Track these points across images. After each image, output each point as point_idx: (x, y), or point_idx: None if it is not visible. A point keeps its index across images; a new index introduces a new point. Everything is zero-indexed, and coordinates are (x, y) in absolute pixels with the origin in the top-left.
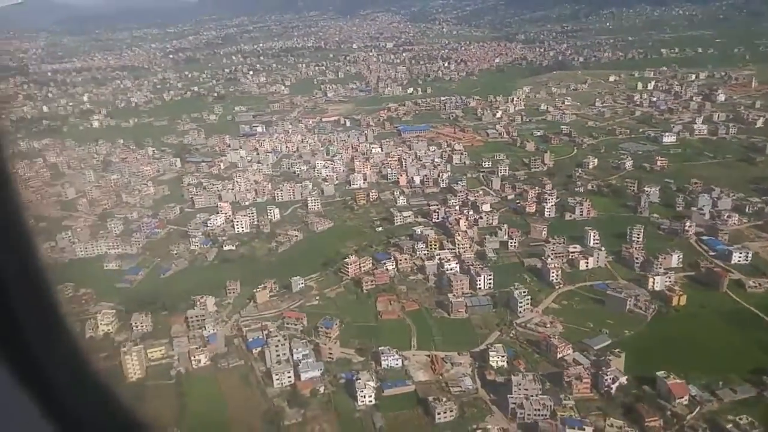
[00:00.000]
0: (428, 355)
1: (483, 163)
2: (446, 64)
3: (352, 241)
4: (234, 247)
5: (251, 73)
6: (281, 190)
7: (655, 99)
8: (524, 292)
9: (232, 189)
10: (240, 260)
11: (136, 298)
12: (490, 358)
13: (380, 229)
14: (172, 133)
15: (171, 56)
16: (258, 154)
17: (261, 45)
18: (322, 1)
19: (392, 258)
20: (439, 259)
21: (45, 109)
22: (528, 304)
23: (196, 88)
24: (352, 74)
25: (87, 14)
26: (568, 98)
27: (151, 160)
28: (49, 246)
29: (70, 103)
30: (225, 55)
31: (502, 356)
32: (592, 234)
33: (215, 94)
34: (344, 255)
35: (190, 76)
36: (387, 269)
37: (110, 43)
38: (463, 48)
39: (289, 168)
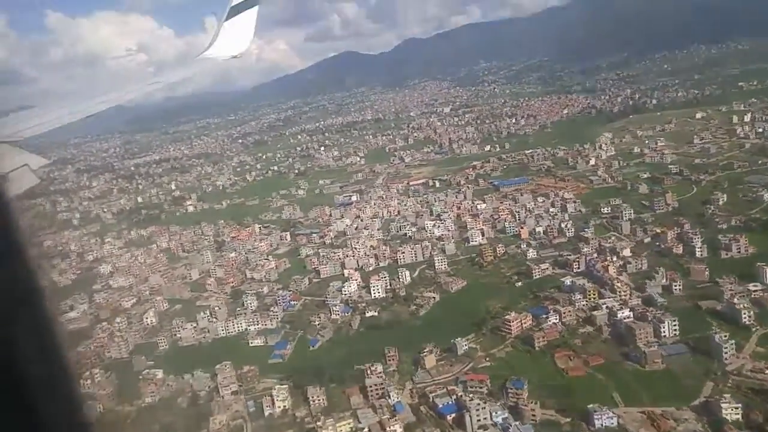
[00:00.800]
0: (642, 412)
1: (601, 209)
2: (513, 120)
3: (493, 298)
4: (376, 313)
5: (322, 149)
6: (402, 253)
7: (761, 130)
8: (725, 336)
9: (352, 256)
10: (386, 326)
11: (296, 371)
12: (723, 411)
13: (519, 284)
14: (268, 210)
15: (240, 141)
16: (362, 220)
17: (322, 123)
18: (369, 78)
19: (552, 311)
20: (607, 308)
21: (139, 200)
22: (732, 349)
23: (275, 168)
24: (421, 140)
25: (151, 112)
26: (661, 139)
27: (260, 236)
28: (192, 327)
29: (161, 192)
30: (290, 135)
31: (735, 408)
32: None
33: (296, 172)
34: (493, 314)
35: (264, 157)
36: (553, 323)
37: (178, 135)
38: (524, 104)
39: (398, 231)
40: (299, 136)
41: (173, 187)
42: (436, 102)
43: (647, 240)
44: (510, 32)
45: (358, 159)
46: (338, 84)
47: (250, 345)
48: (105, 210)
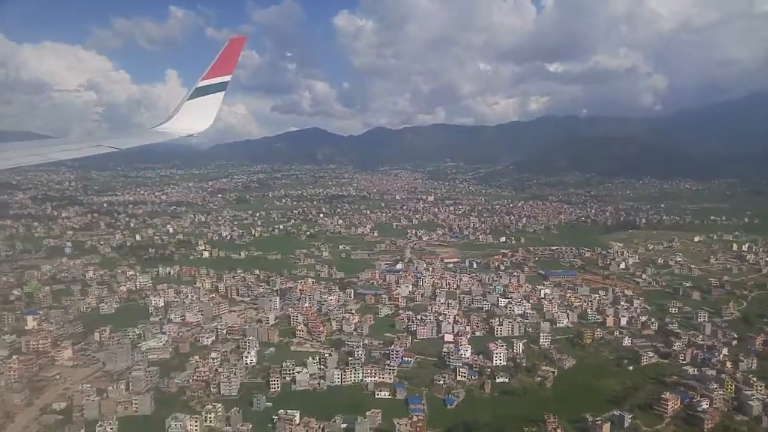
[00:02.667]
0: None
1: (669, 309)
2: (513, 218)
3: (610, 378)
4: (507, 380)
5: (321, 215)
6: (499, 325)
7: None
8: None
9: (444, 321)
10: (518, 393)
11: (456, 427)
12: None
13: (631, 368)
14: (296, 266)
15: (219, 195)
16: (423, 288)
17: (303, 191)
18: (338, 156)
19: (698, 396)
20: (758, 399)
21: (138, 237)
22: None
23: (280, 227)
24: (425, 222)
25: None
26: (678, 255)
27: (319, 290)
28: (305, 372)
29: (157, 234)
30: (275, 198)
31: None
32: None
33: (306, 234)
34: (622, 394)
35: (258, 215)
36: (711, 408)
37: (140, 180)
38: (510, 204)
39: (470, 304)
40: (284, 200)
41: (171, 230)
42: (417, 190)
43: (734, 342)
44: (475, 137)
45: (368, 230)
46: (306, 157)
47: (376, 396)
48: (101, 243)
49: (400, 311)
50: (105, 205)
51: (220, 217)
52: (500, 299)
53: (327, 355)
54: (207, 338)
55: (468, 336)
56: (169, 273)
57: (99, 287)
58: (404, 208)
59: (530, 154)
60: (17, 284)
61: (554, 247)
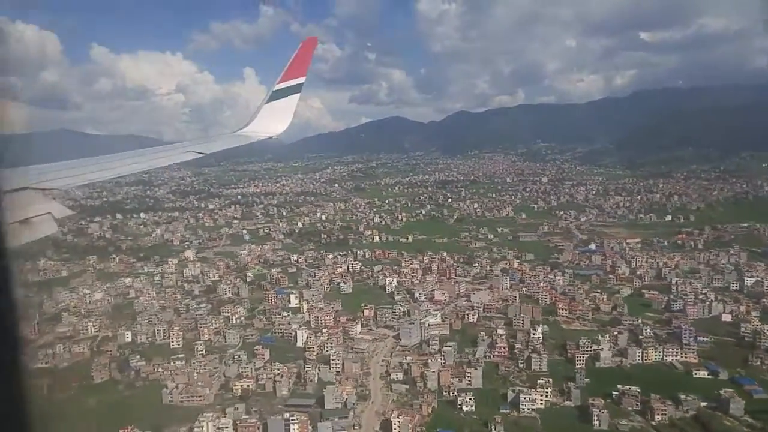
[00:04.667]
0: None
1: None
2: (659, 197)
3: None
4: None
5: (449, 200)
6: None
7: None
8: None
9: (707, 301)
10: None
11: None
12: None
13: None
14: (475, 249)
15: (336, 185)
16: (640, 268)
17: (410, 178)
18: (423, 143)
19: None
20: None
21: (300, 225)
22: None
23: (420, 212)
24: (563, 203)
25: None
26: None
27: (536, 271)
28: (607, 349)
29: (314, 221)
30: (387, 186)
31: None
32: None
33: (453, 218)
34: None
35: (386, 202)
36: None
37: (249, 174)
38: (641, 183)
39: (709, 284)
40: (397, 188)
41: (323, 218)
42: (524, 172)
43: None
44: (563, 116)
45: (511, 213)
46: (392, 145)
47: (694, 376)
48: (270, 231)
49: (643, 291)
50: (239, 196)
51: (358, 205)
52: (745, 278)
53: (616, 333)
54: (473, 316)
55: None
56: (365, 256)
57: (309, 269)
58: (526, 190)
59: (630, 131)
60: (237, 268)
61: (744, 224)
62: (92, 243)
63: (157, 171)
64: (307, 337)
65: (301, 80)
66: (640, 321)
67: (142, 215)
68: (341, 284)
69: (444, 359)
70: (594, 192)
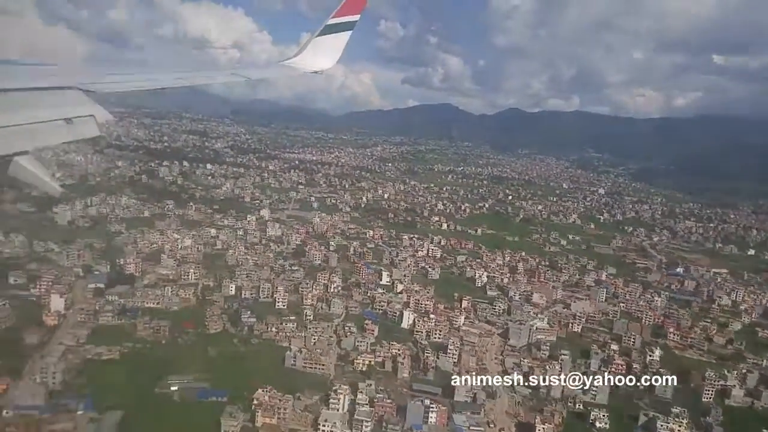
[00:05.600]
0: None
1: None
2: (734, 227)
3: None
4: None
5: (509, 197)
6: None
7: None
8: None
9: None
10: None
11: None
12: None
13: None
14: (551, 255)
15: (389, 164)
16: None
17: (462, 169)
18: (472, 136)
19: None
20: None
21: (364, 200)
22: None
23: (485, 205)
24: (629, 219)
25: (247, 107)
26: None
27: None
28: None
29: (376, 198)
30: (440, 173)
31: None
32: None
33: (519, 217)
34: None
35: (446, 189)
36: None
37: (300, 139)
38: (709, 210)
39: None
40: (450, 176)
41: (386, 196)
42: (579, 180)
43: None
44: (618, 129)
45: (578, 220)
46: (440, 132)
47: None
48: (337, 201)
49: (756, 328)
50: (297, 161)
51: (416, 188)
52: None
53: (744, 371)
54: (574, 325)
55: None
56: (440, 242)
57: (388, 247)
58: (586, 199)
59: (691, 154)
60: (316, 235)
61: None
62: (166, 187)
63: (208, 122)
64: (414, 320)
65: (354, 18)
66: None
67: (208, 166)
68: (428, 269)
69: (561, 367)
70: (660, 212)
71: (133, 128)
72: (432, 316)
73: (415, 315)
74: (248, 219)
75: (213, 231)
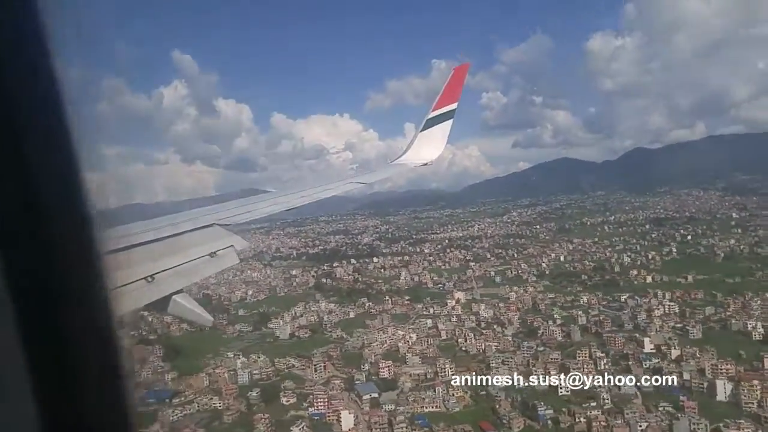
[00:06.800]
0: None
1: None
2: None
3: None
4: None
5: (688, 237)
6: None
7: None
8: None
9: None
10: None
11: None
12: None
13: None
14: None
15: (536, 226)
16: None
17: (614, 217)
18: (603, 184)
19: None
20: None
21: (543, 265)
22: None
23: (672, 250)
24: None
25: (366, 204)
26: None
27: None
28: None
29: (551, 262)
30: (593, 226)
31: None
32: None
33: (721, 256)
34: None
35: (608, 242)
36: None
37: (435, 220)
38: None
39: None
40: (603, 227)
41: (561, 258)
42: (746, 206)
43: None
44: (762, 146)
45: None
46: (567, 187)
47: None
48: (519, 272)
49: None
50: (446, 241)
51: (586, 245)
52: None
53: None
54: None
55: None
56: (665, 296)
57: (615, 311)
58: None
59: None
60: (527, 309)
61: None
62: (352, 286)
63: (349, 221)
64: (731, 390)
65: (453, 106)
66: None
67: (375, 259)
68: (686, 327)
69: None
70: None
71: (283, 238)
72: (743, 382)
73: (730, 384)
74: (448, 304)
75: (429, 321)
